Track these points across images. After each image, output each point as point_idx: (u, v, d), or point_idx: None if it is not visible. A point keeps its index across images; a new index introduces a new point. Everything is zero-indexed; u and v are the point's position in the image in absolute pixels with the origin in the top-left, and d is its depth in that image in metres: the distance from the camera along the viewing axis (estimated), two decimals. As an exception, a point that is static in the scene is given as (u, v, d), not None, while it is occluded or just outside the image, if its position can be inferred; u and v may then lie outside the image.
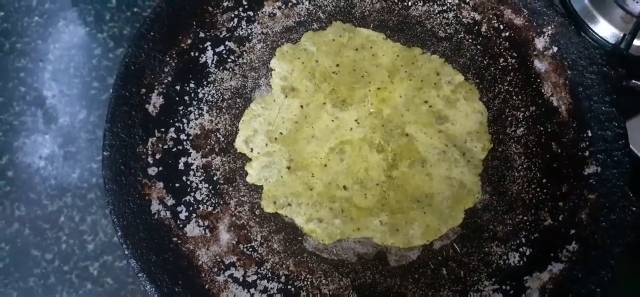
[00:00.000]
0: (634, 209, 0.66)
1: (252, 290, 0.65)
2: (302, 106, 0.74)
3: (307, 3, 0.82)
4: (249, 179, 0.70)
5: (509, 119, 0.75)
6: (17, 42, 0.88)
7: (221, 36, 0.78)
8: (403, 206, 0.69)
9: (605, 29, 0.77)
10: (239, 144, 0.72)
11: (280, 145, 0.71)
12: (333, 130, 0.73)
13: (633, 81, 0.73)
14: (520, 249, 0.68)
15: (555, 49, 0.77)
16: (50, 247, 0.75)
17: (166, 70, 0.74)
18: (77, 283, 0.74)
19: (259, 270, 0.66)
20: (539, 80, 0.77)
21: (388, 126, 0.73)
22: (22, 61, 0.86)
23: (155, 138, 0.71)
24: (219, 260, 0.66)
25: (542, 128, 0.74)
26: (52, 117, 0.82)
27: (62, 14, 0.90)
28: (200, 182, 0.70)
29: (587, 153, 0.71)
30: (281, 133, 0.72)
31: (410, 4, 0.82)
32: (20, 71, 0.85)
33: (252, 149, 0.71)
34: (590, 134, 0.71)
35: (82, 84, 0.85)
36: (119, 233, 0.64)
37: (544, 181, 0.71)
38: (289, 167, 0.70)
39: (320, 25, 0.80)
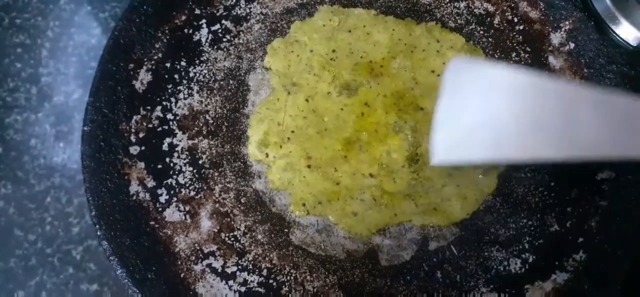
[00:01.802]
0: (649, 218, 0.61)
1: (230, 282, 0.62)
2: (307, 100, 0.70)
3: (311, -16, 0.78)
4: (272, 186, 0.67)
5: (519, 116, 0.70)
6: (17, 18, 0.85)
7: (218, 14, 0.75)
8: (435, 183, 0.66)
9: (627, 31, 0.73)
10: (253, 151, 0.68)
11: (294, 144, 0.68)
12: (345, 119, 0.69)
13: (655, 84, 0.69)
14: (523, 256, 0.64)
15: (572, 45, 0.73)
16: (34, 228, 0.73)
17: (157, 46, 0.72)
18: (58, 267, 0.71)
19: (239, 261, 0.63)
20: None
21: (400, 103, 0.70)
22: (20, 37, 0.84)
23: (140, 116, 0.68)
24: (197, 248, 0.63)
25: (553, 128, 0.69)
26: (46, 95, 0.80)
27: (64, -10, 0.88)
28: (184, 165, 0.67)
29: (601, 158, 0.66)
30: (292, 131, 0.69)
31: (419, -9, 0.79)
32: (17, 47, 0.83)
33: (267, 155, 0.68)
34: (605, 137, 0.67)
35: (80, 63, 0.82)
36: (93, 213, 0.61)
37: (553, 184, 0.67)
38: (309, 166, 0.67)
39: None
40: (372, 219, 0.65)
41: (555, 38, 0.74)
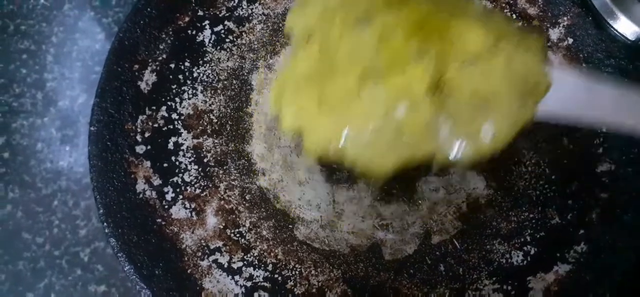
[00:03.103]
0: (648, 209, 0.62)
1: (236, 277, 0.62)
2: (321, 45, 0.62)
3: (311, -16, 0.79)
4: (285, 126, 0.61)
5: (518, 111, 0.71)
6: (22, 24, 0.86)
7: (220, 15, 0.76)
8: (463, 115, 0.58)
9: (625, 26, 0.73)
10: (271, 107, 0.67)
11: (305, 90, 0.61)
12: (359, 54, 0.61)
13: (653, 77, 0.69)
14: (525, 248, 0.64)
15: (570, 40, 0.73)
16: (41, 231, 0.73)
17: (161, 47, 0.72)
18: (66, 268, 0.71)
19: (245, 257, 0.63)
20: (552, 72, 0.72)
21: (425, 29, 0.60)
22: (25, 43, 0.85)
23: (145, 116, 0.69)
24: (203, 244, 0.64)
25: (553, 122, 0.69)
26: (51, 100, 0.81)
27: (68, -3, 0.89)
28: (190, 164, 0.68)
29: (600, 150, 0.67)
30: (304, 79, 0.62)
31: (418, -9, 0.79)
32: (22, 53, 0.84)
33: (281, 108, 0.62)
34: (604, 130, 0.68)
35: (84, 67, 0.83)
36: (101, 211, 0.62)
37: (553, 177, 0.67)
38: (320, 108, 0.61)
39: (324, 9, 0.77)
40: (390, 159, 0.59)
41: (554, 34, 0.74)
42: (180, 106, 0.70)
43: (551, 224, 0.65)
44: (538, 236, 0.65)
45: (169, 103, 0.70)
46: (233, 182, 0.67)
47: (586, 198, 0.66)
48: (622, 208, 0.64)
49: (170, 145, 0.69)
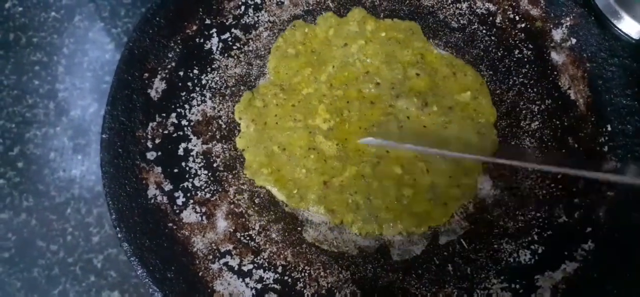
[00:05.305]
0: (655, 207, 0.62)
1: (247, 279, 0.63)
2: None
3: (315, -9, 0.80)
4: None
5: (524, 112, 0.71)
6: (34, 37, 0.88)
7: (227, 23, 0.77)
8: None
9: (629, 26, 0.74)
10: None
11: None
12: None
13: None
14: (532, 247, 0.64)
15: (573, 40, 0.74)
16: (55, 238, 0.74)
17: (170, 55, 0.73)
18: (80, 275, 0.72)
19: (255, 259, 0.64)
20: (555, 72, 0.73)
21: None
22: (38, 55, 0.86)
23: (155, 123, 0.70)
24: (214, 248, 0.64)
25: (558, 122, 0.71)
26: (63, 110, 0.82)
27: (78, 9, 0.90)
28: (200, 169, 0.68)
29: (605, 148, 0.68)
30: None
31: (423, -7, 0.80)
32: (35, 65, 0.85)
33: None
34: (609, 129, 0.68)
35: (95, 78, 0.84)
36: (113, 216, 0.63)
37: (559, 176, 0.67)
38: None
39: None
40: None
41: (557, 34, 0.75)
42: (189, 113, 0.71)
43: (558, 223, 0.65)
44: (545, 235, 0.65)
45: (178, 110, 0.71)
46: (242, 186, 0.68)
47: (593, 196, 0.66)
48: (628, 205, 0.64)
49: (181, 151, 0.69)
